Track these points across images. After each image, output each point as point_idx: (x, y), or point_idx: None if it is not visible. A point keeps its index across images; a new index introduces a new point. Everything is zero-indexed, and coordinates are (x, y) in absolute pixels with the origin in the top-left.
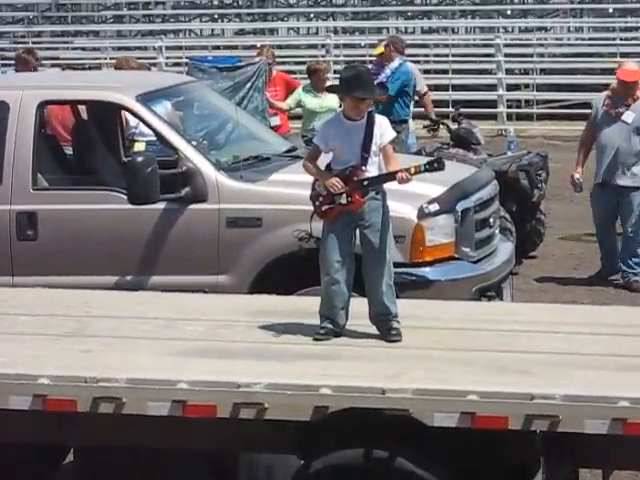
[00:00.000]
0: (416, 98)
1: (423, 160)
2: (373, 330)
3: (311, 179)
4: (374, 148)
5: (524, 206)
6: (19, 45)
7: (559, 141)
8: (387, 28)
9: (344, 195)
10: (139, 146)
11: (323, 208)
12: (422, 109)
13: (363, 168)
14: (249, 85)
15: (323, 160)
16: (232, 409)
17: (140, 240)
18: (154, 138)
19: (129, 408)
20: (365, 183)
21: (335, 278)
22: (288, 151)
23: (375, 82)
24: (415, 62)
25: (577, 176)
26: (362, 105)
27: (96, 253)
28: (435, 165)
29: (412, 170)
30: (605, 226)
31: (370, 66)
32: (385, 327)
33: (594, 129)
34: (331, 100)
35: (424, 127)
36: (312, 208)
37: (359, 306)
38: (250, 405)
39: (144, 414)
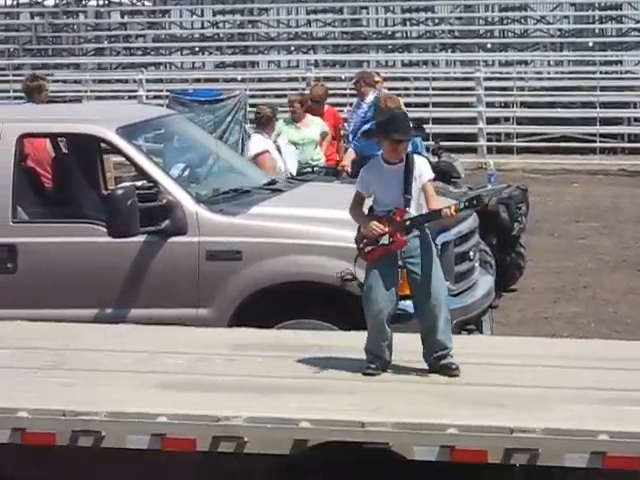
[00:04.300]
0: None
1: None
2: (353, 364)
3: (291, 212)
4: (414, 189)
5: (504, 239)
6: None
7: (539, 174)
8: (367, 61)
9: (387, 236)
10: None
11: (366, 249)
12: None
13: (407, 210)
14: (229, 118)
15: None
16: (211, 442)
17: (120, 273)
18: None
19: (108, 442)
20: (407, 223)
21: (380, 318)
22: (268, 184)
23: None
24: (396, 95)
25: None
26: (399, 147)
27: (76, 286)
28: (474, 202)
29: (453, 208)
30: None
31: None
32: (444, 363)
33: None
34: (312, 132)
35: None
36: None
37: (337, 340)
38: (229, 439)
39: (123, 447)
